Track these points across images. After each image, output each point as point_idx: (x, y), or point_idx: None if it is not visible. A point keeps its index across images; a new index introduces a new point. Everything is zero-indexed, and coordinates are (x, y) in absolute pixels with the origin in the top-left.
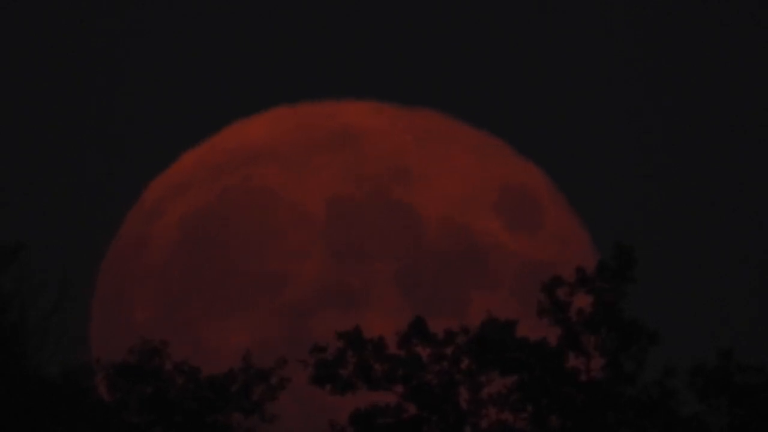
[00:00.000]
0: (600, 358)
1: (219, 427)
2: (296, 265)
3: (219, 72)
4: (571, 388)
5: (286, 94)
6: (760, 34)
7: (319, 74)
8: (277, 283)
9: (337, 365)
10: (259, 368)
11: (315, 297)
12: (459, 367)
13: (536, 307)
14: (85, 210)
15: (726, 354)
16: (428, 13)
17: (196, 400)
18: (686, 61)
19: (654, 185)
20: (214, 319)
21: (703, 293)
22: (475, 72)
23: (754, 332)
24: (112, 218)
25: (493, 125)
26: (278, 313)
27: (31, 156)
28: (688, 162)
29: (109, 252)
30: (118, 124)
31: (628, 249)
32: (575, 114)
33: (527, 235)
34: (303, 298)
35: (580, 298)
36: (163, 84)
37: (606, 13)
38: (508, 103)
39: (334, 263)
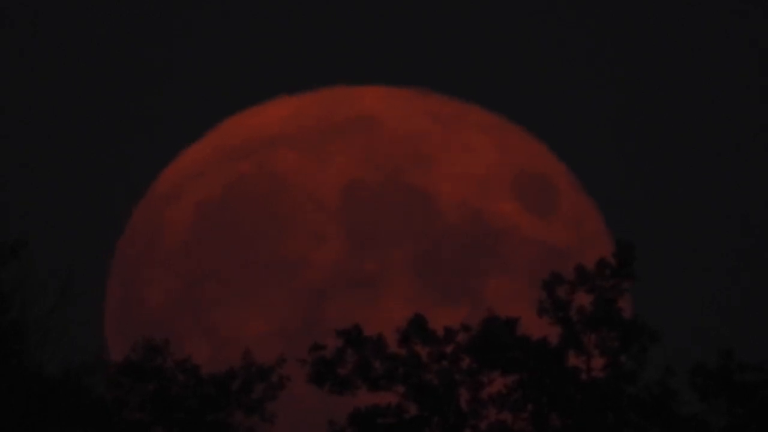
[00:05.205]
0: (601, 357)
1: (220, 426)
2: (312, 250)
3: (232, 58)
4: (571, 387)
5: (300, 80)
6: None
7: (333, 60)
8: (293, 269)
9: (337, 364)
10: (260, 366)
11: (331, 283)
12: (459, 366)
13: (537, 307)
14: (90, 204)
15: (727, 353)
16: None
17: (197, 398)
18: (709, 51)
19: (664, 175)
20: (230, 306)
21: (703, 291)
22: (491, 57)
23: (754, 331)
24: (119, 211)
25: (509, 110)
26: (294, 299)
27: (31, 153)
28: (694, 160)
29: (122, 239)
30: (126, 115)
31: (629, 246)
32: (592, 99)
33: (544, 219)
34: (319, 284)
35: (581, 295)
36: (173, 73)
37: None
38: (525, 88)
39: (351, 248)
